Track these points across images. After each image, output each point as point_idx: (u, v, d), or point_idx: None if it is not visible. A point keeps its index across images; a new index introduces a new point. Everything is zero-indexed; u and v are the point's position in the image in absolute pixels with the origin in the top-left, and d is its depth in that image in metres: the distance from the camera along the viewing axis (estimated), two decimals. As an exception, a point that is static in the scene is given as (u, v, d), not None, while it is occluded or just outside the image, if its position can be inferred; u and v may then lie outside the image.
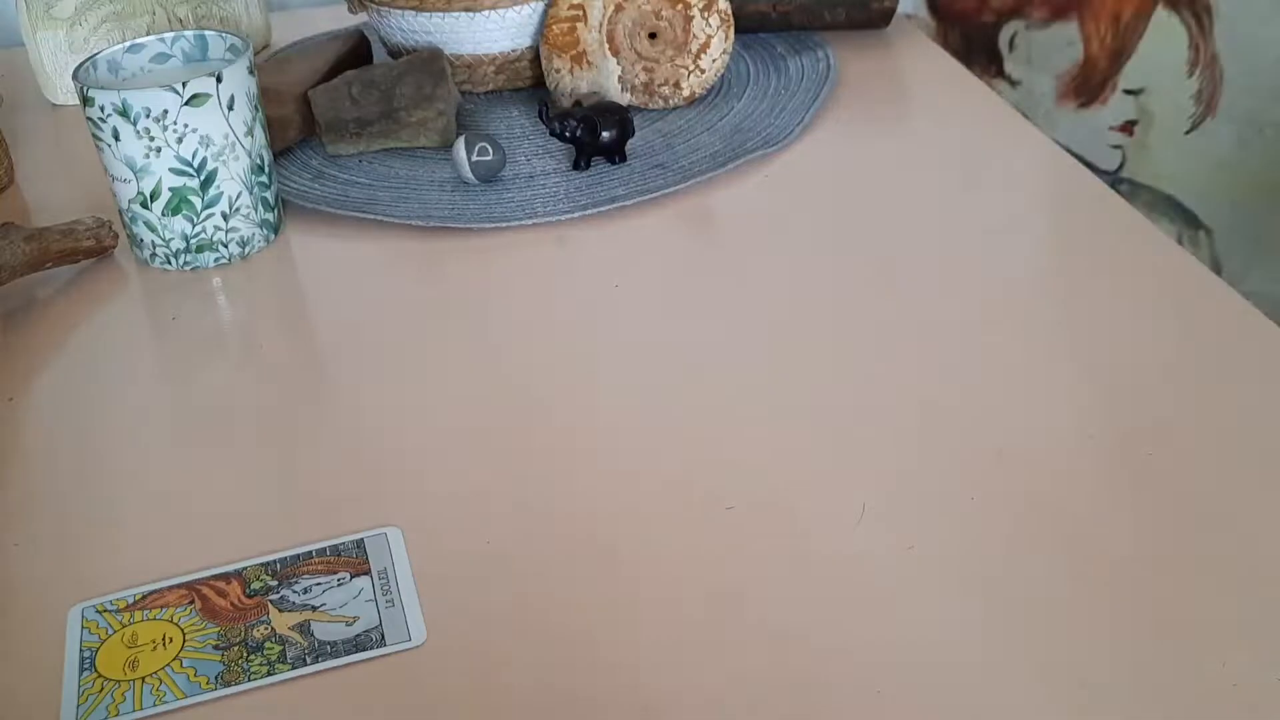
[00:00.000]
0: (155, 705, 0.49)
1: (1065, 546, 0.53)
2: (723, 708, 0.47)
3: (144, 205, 0.77)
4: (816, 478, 0.57)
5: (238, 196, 0.78)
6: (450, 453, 0.61)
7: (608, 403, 0.64)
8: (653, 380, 0.65)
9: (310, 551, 0.55)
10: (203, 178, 0.77)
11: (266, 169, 0.80)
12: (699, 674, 0.48)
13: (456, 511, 0.58)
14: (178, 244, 0.78)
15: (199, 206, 0.77)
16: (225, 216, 0.78)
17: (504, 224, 0.80)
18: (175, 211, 0.77)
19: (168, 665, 0.51)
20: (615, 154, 0.85)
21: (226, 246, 0.79)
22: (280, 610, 0.52)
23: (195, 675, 0.50)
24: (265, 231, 0.81)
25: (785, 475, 0.58)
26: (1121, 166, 1.20)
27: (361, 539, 0.56)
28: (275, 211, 0.82)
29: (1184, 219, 1.20)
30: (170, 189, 0.77)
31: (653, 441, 0.61)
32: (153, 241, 0.79)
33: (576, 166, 0.85)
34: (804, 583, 0.52)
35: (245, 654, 0.51)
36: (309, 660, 0.50)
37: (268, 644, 0.51)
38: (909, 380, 0.63)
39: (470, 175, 0.84)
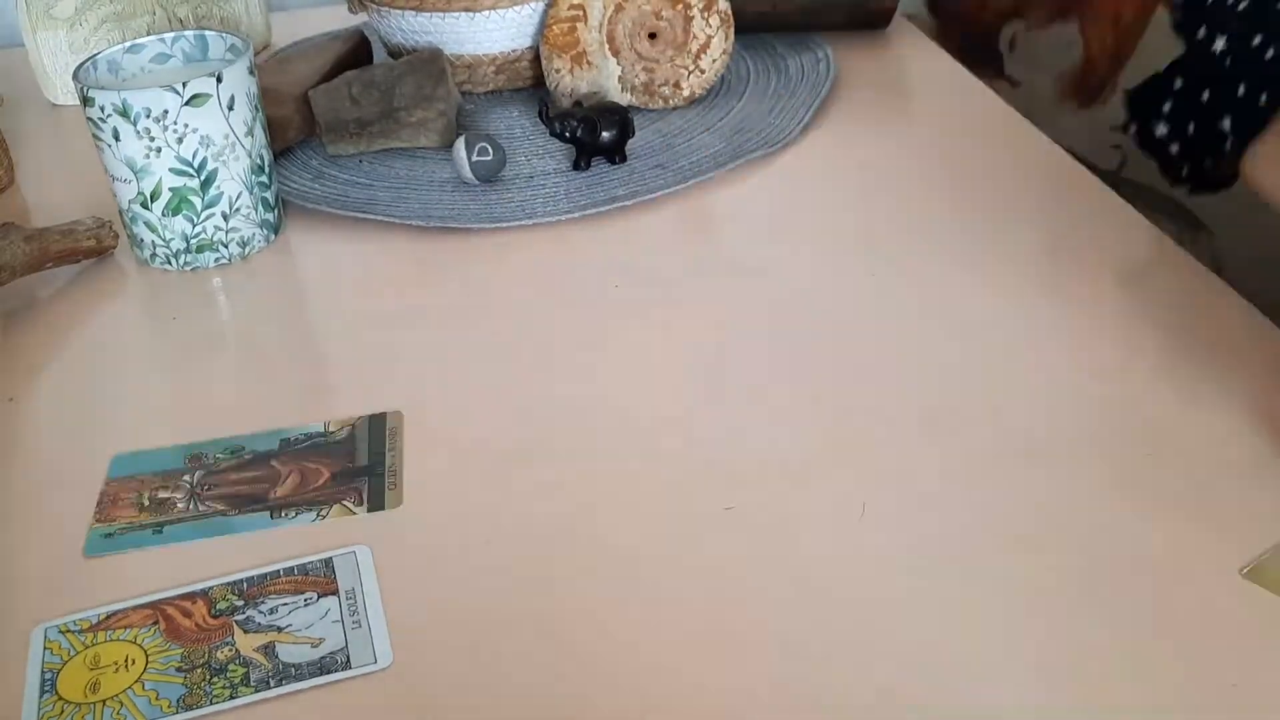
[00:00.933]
0: None
1: (1066, 546, 0.52)
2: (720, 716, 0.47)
3: (144, 205, 0.77)
4: (817, 477, 0.57)
5: (238, 196, 0.78)
6: (449, 456, 0.61)
7: (607, 404, 0.64)
8: (652, 380, 0.65)
9: (278, 570, 0.55)
10: (203, 178, 0.77)
11: (267, 169, 0.80)
12: (691, 695, 0.48)
13: (440, 522, 0.57)
14: (178, 244, 0.78)
15: (199, 206, 0.77)
16: (225, 216, 0.78)
17: (504, 224, 0.80)
18: (175, 211, 0.77)
19: (129, 688, 0.50)
20: (615, 154, 0.85)
21: (227, 246, 0.79)
22: (245, 631, 0.52)
23: (157, 698, 0.49)
24: (265, 231, 0.81)
25: (785, 474, 0.58)
26: (1122, 166, 1.20)
27: (330, 558, 0.55)
28: (275, 211, 0.82)
29: (1184, 219, 1.20)
30: (170, 189, 0.77)
31: (651, 443, 0.61)
32: (153, 241, 0.79)
33: (576, 166, 0.85)
34: (804, 582, 0.52)
35: (208, 676, 0.50)
36: (272, 683, 0.49)
37: (231, 666, 0.50)
38: (910, 379, 0.63)
39: (470, 175, 0.84)
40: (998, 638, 0.49)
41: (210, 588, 0.54)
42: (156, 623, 0.53)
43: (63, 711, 0.49)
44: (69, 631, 0.53)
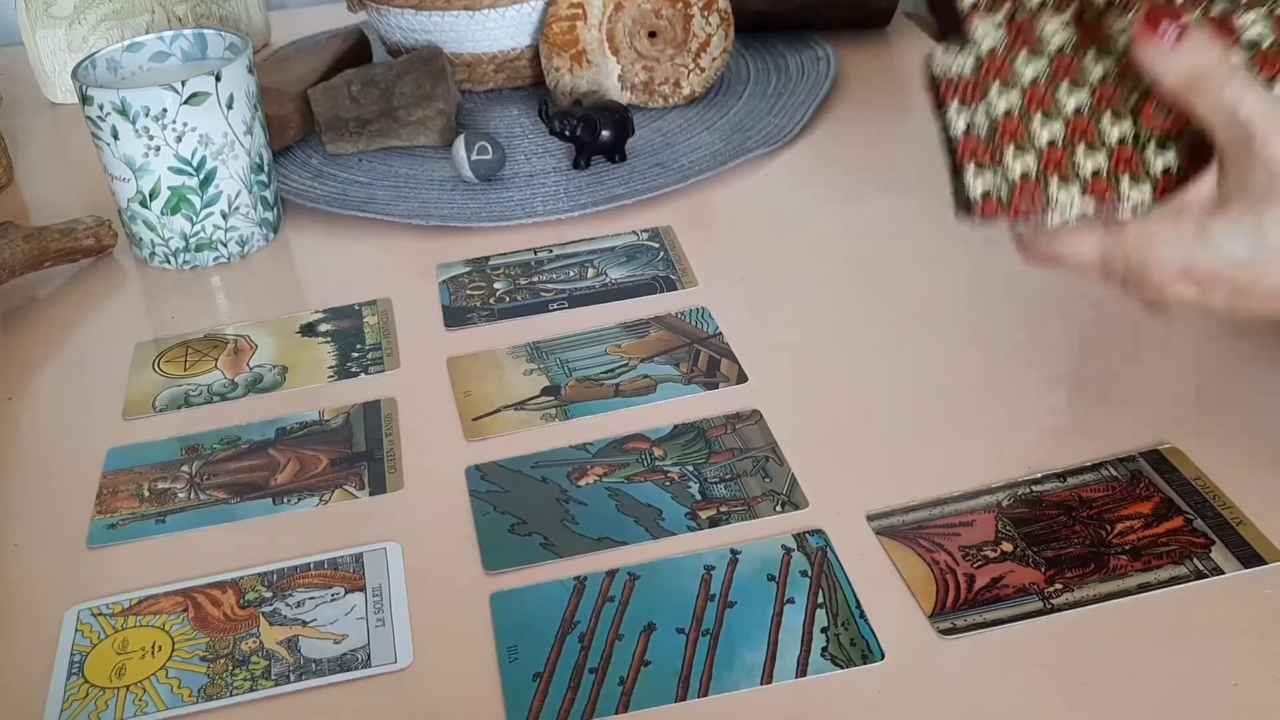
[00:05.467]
0: (137, 716, 0.48)
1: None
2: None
3: (143, 204, 0.77)
4: (815, 477, 0.57)
5: (237, 195, 0.78)
6: (457, 461, 0.61)
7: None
8: (652, 379, 0.65)
9: (308, 564, 0.55)
10: (202, 177, 0.77)
11: (266, 168, 0.80)
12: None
13: (460, 528, 0.57)
14: (177, 243, 0.78)
15: (198, 205, 0.77)
16: (224, 215, 0.78)
17: (504, 223, 0.80)
18: (174, 210, 0.77)
19: (153, 675, 0.50)
20: (615, 153, 0.85)
21: (226, 245, 0.79)
22: (271, 624, 0.52)
23: (179, 686, 0.49)
24: (264, 230, 0.81)
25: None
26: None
27: (360, 553, 0.55)
28: (274, 210, 0.82)
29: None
30: (169, 188, 0.77)
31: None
32: (152, 240, 0.79)
33: (576, 165, 0.85)
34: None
35: (230, 667, 0.50)
36: (292, 678, 0.49)
37: (254, 658, 0.50)
38: (907, 378, 0.63)
39: (470, 174, 0.84)
40: (995, 633, 0.49)
41: (241, 578, 0.54)
42: (186, 610, 0.53)
43: (87, 695, 0.49)
44: (101, 614, 0.53)
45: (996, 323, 0.67)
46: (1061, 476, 0.56)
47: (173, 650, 0.51)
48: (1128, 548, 0.51)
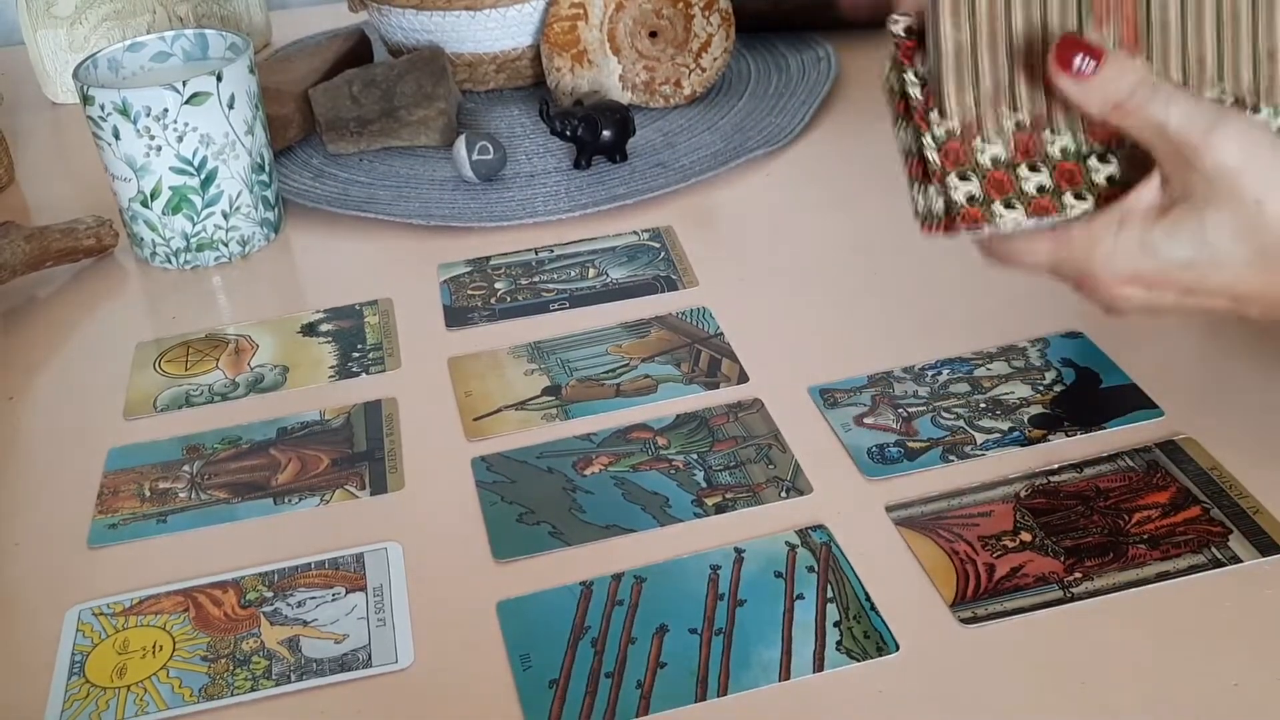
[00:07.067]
0: (137, 716, 0.48)
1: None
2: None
3: (144, 204, 0.77)
4: (818, 469, 0.57)
5: (238, 195, 0.78)
6: (459, 461, 0.61)
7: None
8: (653, 379, 0.65)
9: (309, 564, 0.55)
10: (203, 176, 0.77)
11: (267, 168, 0.80)
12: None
13: (462, 527, 0.57)
14: (178, 243, 0.78)
15: (199, 205, 0.77)
16: (225, 215, 0.78)
17: (505, 223, 0.80)
18: (175, 210, 0.77)
19: (154, 674, 0.50)
20: (616, 153, 0.85)
21: (227, 245, 0.79)
22: (272, 624, 0.52)
23: (180, 686, 0.49)
24: (265, 230, 0.81)
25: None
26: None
27: (361, 553, 0.55)
28: (275, 210, 0.82)
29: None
30: (170, 188, 0.77)
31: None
32: (153, 240, 0.79)
33: (577, 165, 0.85)
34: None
35: (231, 667, 0.50)
36: (293, 678, 0.49)
37: (255, 658, 0.50)
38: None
39: (471, 174, 0.84)
40: (995, 632, 0.49)
41: (242, 578, 0.54)
42: (187, 610, 0.53)
43: (88, 695, 0.49)
44: (102, 614, 0.53)
45: (999, 322, 0.67)
46: (1079, 467, 0.56)
47: (174, 650, 0.51)
48: (1146, 537, 0.52)
